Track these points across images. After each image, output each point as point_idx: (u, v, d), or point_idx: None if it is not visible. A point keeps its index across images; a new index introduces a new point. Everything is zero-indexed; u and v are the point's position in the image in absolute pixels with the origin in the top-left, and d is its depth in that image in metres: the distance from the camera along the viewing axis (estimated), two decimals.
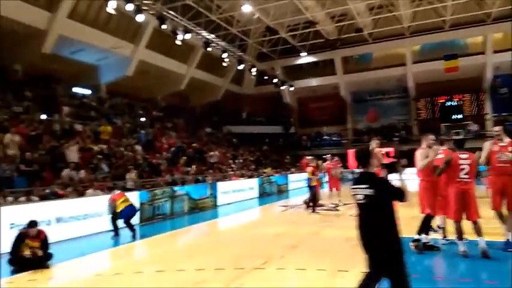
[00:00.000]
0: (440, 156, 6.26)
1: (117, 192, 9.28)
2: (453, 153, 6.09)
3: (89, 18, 17.68)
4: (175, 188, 12.75)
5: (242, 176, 19.52)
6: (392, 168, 3.71)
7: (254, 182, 18.21)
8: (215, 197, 14.50)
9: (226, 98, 29.48)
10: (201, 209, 13.46)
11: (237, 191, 16.17)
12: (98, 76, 20.53)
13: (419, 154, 6.29)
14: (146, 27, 19.49)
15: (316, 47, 28.46)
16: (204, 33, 20.31)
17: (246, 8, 20.48)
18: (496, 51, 24.80)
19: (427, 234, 6.30)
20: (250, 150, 27.30)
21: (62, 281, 5.90)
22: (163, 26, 17.08)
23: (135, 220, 9.98)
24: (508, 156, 6.05)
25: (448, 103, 28.32)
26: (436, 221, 6.87)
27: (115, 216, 8.84)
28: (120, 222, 8.94)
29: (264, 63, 29.01)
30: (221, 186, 15.15)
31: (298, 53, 28.86)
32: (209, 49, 20.72)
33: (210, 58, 23.98)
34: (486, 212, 6.36)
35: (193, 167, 17.37)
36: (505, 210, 6.15)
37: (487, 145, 6.37)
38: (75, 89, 19.55)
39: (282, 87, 28.83)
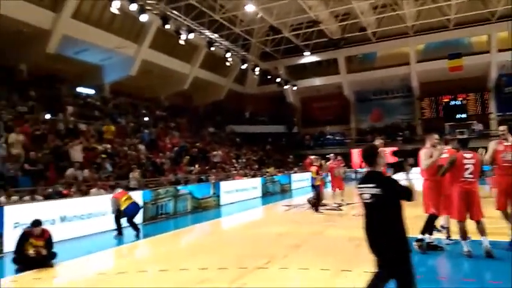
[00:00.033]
0: (444, 155, 6.23)
1: (119, 190, 9.31)
2: (457, 152, 6.06)
3: (93, 18, 17.75)
4: (179, 188, 12.78)
5: (245, 175, 19.53)
6: (399, 167, 3.67)
7: (257, 182, 18.22)
8: (218, 196, 14.52)
9: (229, 98, 29.49)
10: (204, 209, 13.48)
11: (240, 191, 16.19)
12: (101, 76, 20.61)
13: (423, 154, 6.26)
14: (150, 27, 19.53)
15: (320, 46, 28.41)
16: (208, 33, 20.31)
17: (250, 8, 20.47)
18: (500, 50, 24.61)
19: (430, 234, 6.28)
20: (253, 150, 27.31)
21: (66, 280, 5.93)
22: (167, 26, 17.10)
23: (139, 219, 10.02)
24: None
25: (452, 102, 28.16)
26: (440, 221, 6.85)
27: (119, 215, 8.86)
28: (124, 222, 8.96)
29: (267, 62, 28.99)
30: (224, 185, 15.17)
31: (301, 53, 28.82)
32: (212, 49, 20.72)
33: (213, 58, 24.00)
34: (490, 212, 6.33)
35: (197, 166, 17.41)
36: (510, 210, 6.12)
37: (492, 145, 6.33)
38: (79, 89, 19.66)
39: (285, 87, 28.79)
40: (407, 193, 3.30)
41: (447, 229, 6.82)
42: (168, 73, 23.13)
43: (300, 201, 15.05)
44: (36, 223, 6.42)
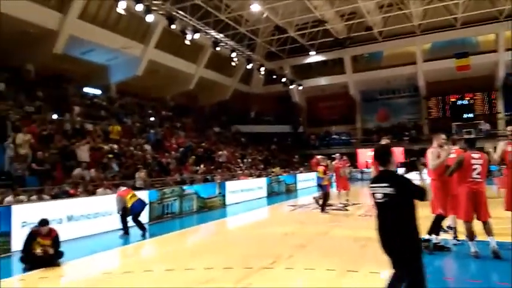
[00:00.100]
0: (452, 155, 6.19)
1: (124, 188, 9.34)
2: (465, 152, 6.01)
3: (99, 19, 17.86)
4: (184, 187, 12.82)
5: (251, 175, 19.53)
6: (412, 166, 3.64)
7: (262, 182, 18.21)
8: (224, 196, 14.53)
9: (234, 98, 29.51)
10: (210, 208, 13.50)
11: (245, 191, 16.18)
12: (108, 76, 20.74)
13: (430, 154, 6.22)
14: (155, 27, 19.61)
15: (325, 46, 28.32)
16: (213, 33, 20.34)
17: (255, 7, 20.46)
18: (508, 49, 24.35)
19: (437, 234, 6.24)
20: (259, 150, 27.31)
21: (73, 279, 5.97)
22: (173, 26, 17.15)
23: (145, 219, 10.07)
24: None
25: (460, 102, 27.95)
26: (447, 221, 6.81)
27: (125, 214, 8.90)
28: (129, 221, 9.00)
29: (272, 62, 28.97)
30: (230, 185, 15.18)
31: (307, 52, 28.75)
32: (218, 49, 20.74)
33: (219, 58, 24.03)
34: (497, 213, 6.28)
35: (202, 166, 17.45)
36: None
37: (501, 145, 6.28)
38: (85, 89, 19.79)
39: (290, 87, 28.74)
40: (420, 193, 3.27)
41: (454, 229, 6.78)
42: (173, 73, 23.21)
43: (306, 201, 15.03)
44: (44, 222, 6.46)
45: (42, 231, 6.41)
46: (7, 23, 14.31)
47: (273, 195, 18.15)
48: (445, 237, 6.69)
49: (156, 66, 21.31)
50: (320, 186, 11.83)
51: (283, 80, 27.24)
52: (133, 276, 5.78)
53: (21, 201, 8.51)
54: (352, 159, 25.21)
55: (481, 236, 5.93)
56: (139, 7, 15.18)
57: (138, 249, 8.34)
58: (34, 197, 9.05)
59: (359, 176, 27.16)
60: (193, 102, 27.83)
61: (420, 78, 27.67)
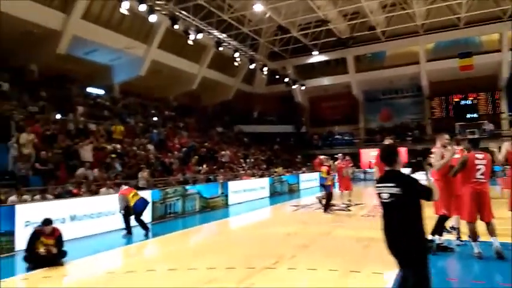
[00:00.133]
0: (456, 156, 6.17)
1: (126, 187, 9.35)
2: (469, 153, 5.99)
3: (103, 19, 17.91)
4: (187, 187, 12.84)
5: (253, 175, 19.53)
6: (418, 166, 3.62)
7: (265, 182, 18.21)
8: (226, 196, 14.55)
9: (237, 98, 29.52)
10: (212, 208, 13.52)
11: (248, 191, 16.19)
12: (111, 76, 20.81)
13: (434, 154, 6.20)
14: (159, 27, 19.65)
15: (328, 46, 28.28)
16: (216, 33, 20.37)
17: (258, 7, 20.47)
18: None
19: (440, 235, 6.22)
20: (262, 150, 27.31)
21: (76, 278, 5.99)
22: (176, 26, 17.19)
23: (148, 218, 10.11)
24: None
25: (463, 102, 27.86)
26: (450, 222, 6.78)
27: (127, 214, 8.92)
28: (132, 221, 9.02)
29: (275, 62, 28.96)
30: (232, 185, 15.19)
31: (309, 52, 28.72)
32: (221, 49, 20.77)
33: (222, 58, 24.05)
34: (500, 213, 6.25)
35: (205, 166, 17.46)
36: None
37: (505, 146, 6.26)
38: (89, 89, 19.86)
39: (293, 87, 28.74)
40: (427, 192, 3.25)
41: (457, 230, 6.76)
42: (176, 73, 23.24)
43: (308, 202, 15.02)
44: (47, 222, 6.48)
45: (45, 231, 6.43)
46: (11, 23, 14.38)
47: (275, 195, 18.14)
48: (448, 237, 6.67)
49: (159, 66, 21.34)
50: (323, 186, 11.83)
51: (286, 80, 27.23)
52: (136, 275, 5.80)
53: (24, 201, 8.55)
54: (355, 159, 25.15)
55: (484, 236, 5.91)
56: (143, 7, 15.23)
57: (141, 248, 8.36)
58: (37, 197, 9.08)
59: (362, 176, 27.13)
60: (196, 102, 27.87)
61: (423, 78, 27.58)
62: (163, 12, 17.11)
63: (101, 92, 20.26)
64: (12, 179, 10.06)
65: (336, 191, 13.68)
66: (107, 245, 8.11)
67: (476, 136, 21.86)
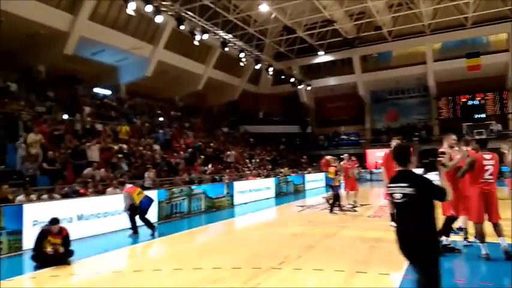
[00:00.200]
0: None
1: (130, 185, 9.37)
2: (477, 153, 5.95)
3: (109, 20, 18.04)
4: (193, 187, 12.87)
5: (259, 175, 19.53)
6: (431, 166, 3.57)
7: (271, 182, 18.20)
8: (232, 196, 14.56)
9: (243, 98, 29.56)
10: (218, 208, 13.54)
11: (253, 191, 16.20)
12: (117, 77, 20.94)
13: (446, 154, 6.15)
14: (165, 28, 19.74)
15: (334, 46, 28.24)
16: (222, 33, 20.40)
17: (264, 8, 20.50)
18: None
19: (447, 236, 6.18)
20: (267, 150, 27.30)
21: (83, 277, 6.03)
22: (182, 27, 17.24)
23: (154, 218, 10.16)
24: None
25: (470, 102, 27.66)
26: (458, 223, 6.73)
27: (133, 213, 8.95)
28: (138, 221, 9.06)
29: (281, 62, 28.94)
30: (238, 185, 15.20)
31: (315, 52, 28.69)
32: (226, 49, 20.80)
33: (227, 58, 24.10)
34: (507, 214, 6.19)
35: (210, 166, 17.50)
36: None
37: None
38: (96, 90, 20.01)
39: (299, 87, 28.69)
40: (441, 193, 3.21)
41: (465, 230, 6.70)
42: (182, 74, 23.32)
43: (314, 202, 14.99)
44: (54, 221, 6.53)
45: (53, 230, 6.48)
46: (19, 24, 14.55)
47: (281, 196, 18.13)
48: (454, 239, 6.62)
49: (165, 66, 21.43)
50: (331, 187, 11.77)
51: (292, 80, 27.19)
52: (143, 275, 5.82)
53: (32, 200, 8.62)
54: (361, 160, 25.06)
55: (490, 237, 5.86)
56: (149, 8, 15.29)
57: (147, 248, 8.40)
58: (45, 196, 9.15)
59: (368, 176, 27.03)
60: (202, 103, 27.95)
61: (430, 78, 27.41)
62: (170, 13, 17.17)
63: (108, 92, 20.40)
64: (20, 179, 10.15)
65: (342, 191, 13.64)
66: (113, 245, 8.15)
67: (484, 137, 21.68)
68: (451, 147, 6.18)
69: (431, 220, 3.23)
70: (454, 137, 6.36)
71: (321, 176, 23.06)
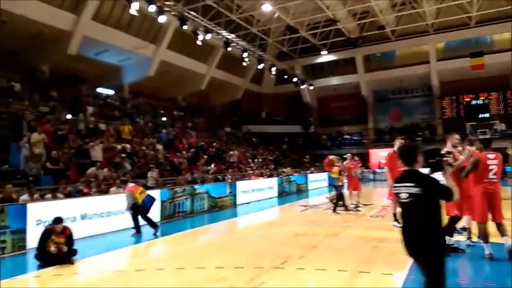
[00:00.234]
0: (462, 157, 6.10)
1: (132, 184, 9.41)
2: (480, 153, 5.93)
3: (113, 20, 18.08)
4: (196, 187, 12.89)
5: (261, 175, 19.53)
6: (437, 166, 3.54)
7: (273, 181, 18.20)
8: (234, 195, 14.57)
9: (246, 98, 29.56)
10: (221, 208, 13.55)
11: (256, 190, 16.19)
12: (120, 76, 20.99)
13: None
14: (167, 28, 19.77)
15: (337, 46, 28.19)
16: (224, 33, 20.42)
17: (266, 7, 20.48)
18: None
19: (451, 236, 6.16)
20: (270, 150, 27.30)
21: (87, 276, 6.05)
22: (185, 27, 17.27)
23: (157, 217, 10.19)
24: None
25: (474, 102, 27.54)
26: (461, 223, 6.71)
27: (136, 213, 8.97)
28: (141, 221, 9.08)
29: (284, 62, 28.94)
30: (240, 185, 15.21)
31: (318, 52, 28.64)
32: (229, 49, 20.81)
33: (230, 58, 24.09)
34: (509, 214, 6.17)
35: (213, 166, 17.51)
36: None
37: None
38: (99, 89, 20.06)
39: (301, 87, 28.68)
40: (448, 193, 3.19)
41: (468, 230, 6.68)
42: (185, 73, 23.35)
43: (317, 202, 14.98)
44: (58, 220, 6.55)
45: (56, 229, 6.50)
46: (22, 24, 14.60)
47: (283, 195, 18.12)
48: (458, 239, 6.60)
49: (168, 66, 21.47)
50: (334, 186, 11.74)
51: (295, 80, 27.19)
52: (146, 274, 5.84)
53: (36, 200, 8.66)
54: (364, 160, 25.01)
55: (494, 237, 5.84)
56: (152, 8, 15.33)
57: (150, 247, 8.42)
58: (48, 196, 9.18)
59: (371, 176, 26.97)
60: (205, 103, 27.98)
61: (434, 77, 27.32)
62: (172, 13, 17.21)
63: (111, 92, 20.45)
64: (23, 178, 10.20)
65: (345, 191, 13.61)
66: (116, 244, 8.17)
67: (487, 136, 21.59)
68: (455, 146, 6.16)
69: (437, 220, 3.21)
70: (457, 136, 6.34)
71: (324, 175, 23.03)
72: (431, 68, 26.92)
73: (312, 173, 23.54)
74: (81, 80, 18.82)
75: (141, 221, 9.06)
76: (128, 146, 14.93)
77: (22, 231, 7.52)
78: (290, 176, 20.42)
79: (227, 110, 29.50)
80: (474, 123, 25.87)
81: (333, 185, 11.83)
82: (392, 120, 30.65)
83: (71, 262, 6.43)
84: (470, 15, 24.29)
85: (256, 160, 23.00)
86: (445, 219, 6.08)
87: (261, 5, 20.31)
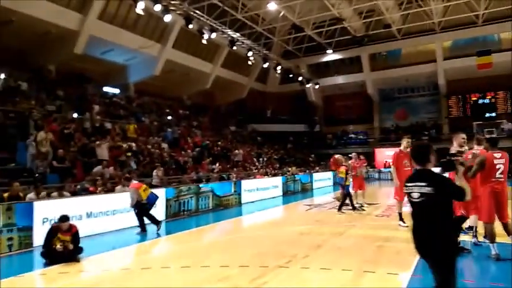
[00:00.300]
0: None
1: (135, 181, 9.45)
2: (487, 152, 5.88)
3: (119, 19, 18.17)
4: (201, 185, 12.92)
5: (266, 174, 19.53)
6: (449, 166, 3.50)
7: (278, 180, 18.18)
8: (239, 194, 14.58)
9: (251, 97, 29.56)
10: (226, 206, 13.57)
11: (261, 189, 16.19)
12: (126, 75, 21.09)
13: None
14: (173, 27, 19.83)
15: (343, 44, 28.07)
16: (230, 32, 20.43)
17: (272, 6, 20.45)
18: None
19: (457, 236, 6.11)
20: (275, 149, 27.29)
21: (92, 274, 6.08)
22: (190, 26, 17.30)
23: (161, 215, 10.25)
24: None
25: (481, 101, 27.33)
26: (467, 222, 6.67)
27: (140, 211, 9.01)
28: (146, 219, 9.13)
29: (289, 61, 28.85)
30: (245, 184, 15.21)
31: (324, 51, 28.55)
32: (234, 48, 20.82)
33: (235, 57, 24.11)
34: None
35: (218, 164, 17.54)
36: None
37: None
38: (105, 88, 20.18)
39: (307, 85, 28.61)
40: (460, 193, 3.15)
41: (475, 229, 6.63)
42: (190, 72, 23.41)
43: (322, 201, 14.95)
44: (64, 218, 6.60)
45: (62, 227, 6.54)
46: (29, 24, 14.72)
47: (288, 194, 18.11)
48: (464, 238, 6.55)
49: (173, 65, 21.52)
50: (341, 186, 11.68)
51: (300, 78, 27.13)
52: (151, 272, 5.86)
53: (42, 198, 8.72)
54: (370, 159, 24.92)
55: (500, 237, 5.79)
56: (158, 7, 15.38)
57: (155, 246, 8.45)
58: (55, 194, 9.25)
59: (376, 175, 26.87)
60: (210, 101, 28.02)
61: (440, 76, 27.12)
62: (178, 12, 17.24)
63: (117, 91, 20.56)
64: (30, 177, 10.29)
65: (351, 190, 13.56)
66: (122, 242, 8.22)
67: (494, 135, 21.41)
68: (461, 146, 6.11)
69: (448, 220, 3.18)
70: (463, 135, 6.29)
71: (329, 175, 22.99)
72: (438, 66, 26.72)
73: (316, 172, 23.49)
74: (88, 79, 18.94)
75: (146, 220, 9.09)
76: (134, 144, 15.00)
77: (29, 229, 7.59)
78: (295, 175, 20.40)
79: (232, 108, 29.52)
80: (481, 122, 25.66)
81: (340, 184, 11.79)
82: (398, 119, 30.49)
83: (77, 260, 6.47)
84: (478, 14, 24.07)
85: (261, 159, 23.00)
86: None
87: (267, 4, 20.28)
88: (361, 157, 13.68)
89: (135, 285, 5.29)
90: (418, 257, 3.58)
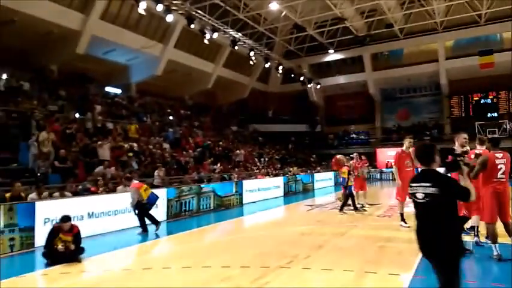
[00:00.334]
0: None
1: (136, 181, 9.46)
2: (489, 153, 5.87)
3: (121, 19, 18.20)
4: (202, 185, 12.93)
5: (268, 174, 19.52)
6: (454, 166, 3.48)
7: (280, 181, 18.18)
8: (241, 194, 14.57)
9: (252, 97, 29.55)
10: (227, 207, 13.57)
11: (262, 189, 16.18)
12: (128, 76, 21.12)
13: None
14: (175, 27, 19.84)
15: (344, 44, 28.05)
16: (232, 32, 20.43)
17: (274, 6, 20.44)
18: None
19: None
20: (276, 149, 27.28)
21: (93, 274, 6.09)
22: (192, 26, 17.30)
23: (163, 216, 10.25)
24: None
25: (483, 100, 27.26)
26: (469, 223, 6.65)
27: (141, 212, 9.01)
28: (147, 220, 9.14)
29: (290, 61, 28.81)
30: (247, 184, 15.21)
31: (325, 50, 28.52)
32: (236, 48, 20.81)
33: (237, 57, 24.11)
34: None
35: (219, 165, 17.54)
36: None
37: None
38: (107, 88, 20.21)
39: (308, 85, 28.58)
40: (465, 193, 3.13)
41: (476, 228, 6.60)
42: (192, 72, 23.42)
43: (323, 201, 14.94)
44: (66, 219, 6.60)
45: (64, 228, 6.55)
46: (32, 24, 14.76)
47: (290, 195, 18.11)
48: (466, 239, 6.52)
49: (175, 65, 21.54)
50: (344, 186, 11.65)
51: (302, 78, 27.11)
52: (152, 272, 5.87)
53: (44, 198, 8.73)
54: (371, 159, 24.88)
55: (502, 238, 5.78)
56: (160, 7, 15.40)
57: (156, 246, 8.46)
58: (56, 194, 9.26)
59: (378, 176, 26.83)
60: (212, 101, 28.03)
61: (442, 76, 27.04)
62: (180, 12, 17.26)
63: (119, 91, 20.59)
64: (32, 177, 10.30)
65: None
66: (123, 242, 8.23)
67: (496, 135, 21.36)
68: (463, 146, 6.10)
69: (453, 220, 3.16)
70: (465, 135, 6.28)
71: (330, 175, 22.98)
72: (440, 66, 26.65)
73: (318, 172, 23.48)
74: (89, 79, 18.98)
75: (148, 220, 9.10)
76: (135, 144, 15.01)
77: (30, 229, 7.60)
78: (296, 175, 20.38)
79: (234, 108, 29.53)
80: (483, 122, 25.57)
81: (342, 184, 11.76)
82: (400, 119, 30.42)
83: (78, 260, 6.48)
84: (480, 13, 24.01)
85: (262, 159, 23.00)
86: None
87: (268, 4, 20.27)
88: (363, 157, 13.63)
89: (136, 286, 5.29)
90: (420, 257, 3.57)
